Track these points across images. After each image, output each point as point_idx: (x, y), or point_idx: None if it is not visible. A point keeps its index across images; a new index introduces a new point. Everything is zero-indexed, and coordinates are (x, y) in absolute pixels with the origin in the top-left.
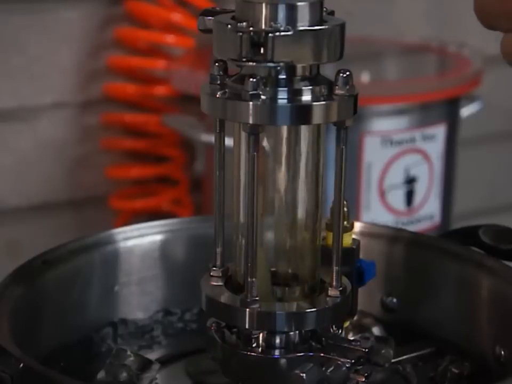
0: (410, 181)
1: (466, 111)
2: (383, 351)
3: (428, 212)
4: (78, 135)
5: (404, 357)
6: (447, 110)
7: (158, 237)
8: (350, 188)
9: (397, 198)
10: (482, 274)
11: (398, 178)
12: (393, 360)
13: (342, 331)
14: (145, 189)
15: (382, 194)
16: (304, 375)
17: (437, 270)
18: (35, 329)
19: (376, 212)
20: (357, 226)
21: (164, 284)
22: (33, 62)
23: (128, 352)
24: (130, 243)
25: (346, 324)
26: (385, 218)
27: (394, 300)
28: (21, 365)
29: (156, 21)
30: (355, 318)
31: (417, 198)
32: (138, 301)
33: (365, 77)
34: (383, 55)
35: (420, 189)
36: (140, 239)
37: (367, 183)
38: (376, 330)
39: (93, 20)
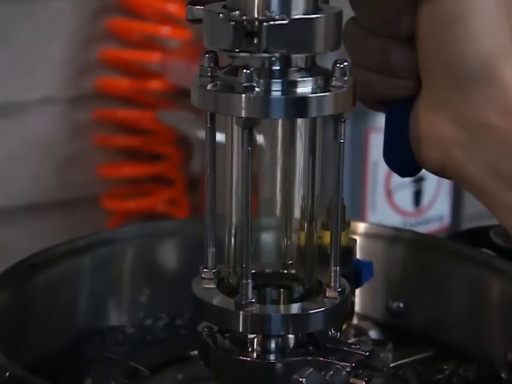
0: (418, 180)
1: None
2: (381, 355)
3: (436, 212)
4: (68, 132)
5: (402, 361)
6: None
7: (152, 239)
8: (355, 188)
9: (404, 198)
10: (493, 276)
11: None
12: (392, 364)
13: (340, 334)
14: (139, 188)
15: (389, 194)
16: (304, 380)
17: (445, 273)
18: (22, 336)
19: (383, 212)
20: (362, 227)
21: (156, 288)
22: (21, 55)
23: (116, 360)
24: (122, 246)
25: (344, 326)
26: (392, 219)
27: (401, 305)
28: (7, 373)
29: (150, 11)
30: (353, 321)
31: (426, 198)
32: (129, 306)
33: None
34: None
35: (429, 189)
36: (133, 241)
37: (373, 182)
38: (373, 334)
39: (84, 10)
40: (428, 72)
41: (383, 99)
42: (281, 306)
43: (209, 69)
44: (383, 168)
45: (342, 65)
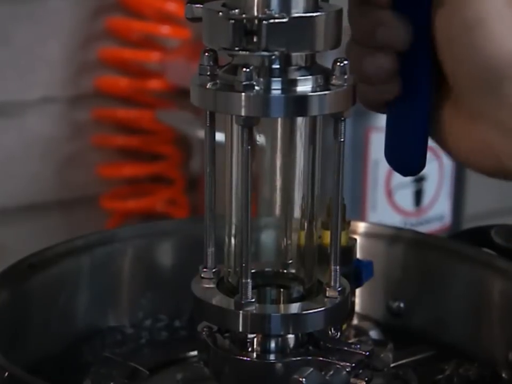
0: (419, 180)
1: None
2: (381, 355)
3: (437, 212)
4: (68, 131)
5: (402, 361)
6: None
7: (151, 239)
8: (355, 187)
9: (405, 198)
10: (494, 276)
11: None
12: (392, 365)
13: (340, 334)
14: (138, 188)
15: (389, 193)
16: (303, 379)
17: (446, 273)
18: (20, 336)
19: (383, 212)
20: (362, 226)
21: (156, 289)
22: (20, 55)
23: (115, 360)
24: (121, 245)
25: (344, 326)
26: (393, 219)
27: (401, 305)
28: (6, 374)
29: (150, 10)
30: (353, 321)
31: (426, 198)
32: (128, 306)
33: None
34: None
35: (429, 188)
36: (132, 241)
37: (374, 181)
38: (373, 334)
39: (83, 9)
40: (458, 81)
41: (378, 104)
42: (281, 306)
43: (208, 67)
44: (383, 167)
45: (342, 64)
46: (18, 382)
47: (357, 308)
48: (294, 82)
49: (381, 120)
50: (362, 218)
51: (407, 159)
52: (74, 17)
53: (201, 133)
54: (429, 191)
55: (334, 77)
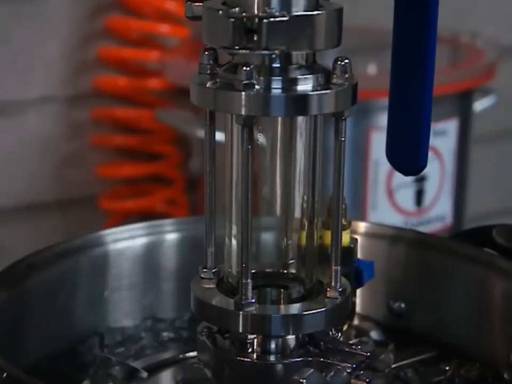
0: (420, 180)
1: (479, 105)
2: (382, 356)
3: (438, 212)
4: (67, 131)
5: (403, 362)
6: (459, 104)
7: (150, 239)
8: (356, 187)
9: (405, 198)
10: (495, 276)
11: (407, 177)
12: (393, 365)
13: (341, 334)
14: (137, 188)
15: (390, 193)
16: (304, 381)
17: (447, 273)
18: (19, 337)
19: (384, 212)
20: (362, 226)
21: (156, 289)
22: (18, 54)
23: (114, 361)
24: (120, 245)
25: (345, 327)
26: (393, 219)
27: (402, 305)
28: (4, 374)
29: (149, 9)
30: (354, 321)
31: (428, 198)
32: (127, 307)
33: (371, 69)
34: (391, 45)
35: (430, 188)
36: (131, 241)
37: (374, 181)
38: (374, 335)
39: (82, 8)
40: None
41: None
42: (281, 307)
43: (208, 66)
44: (384, 167)
45: (342, 63)
46: (17, 383)
47: (358, 308)
48: (295, 81)
49: (382, 119)
50: (362, 218)
51: (408, 158)
52: (73, 16)
53: (201, 133)
54: (430, 191)
55: (334, 76)
